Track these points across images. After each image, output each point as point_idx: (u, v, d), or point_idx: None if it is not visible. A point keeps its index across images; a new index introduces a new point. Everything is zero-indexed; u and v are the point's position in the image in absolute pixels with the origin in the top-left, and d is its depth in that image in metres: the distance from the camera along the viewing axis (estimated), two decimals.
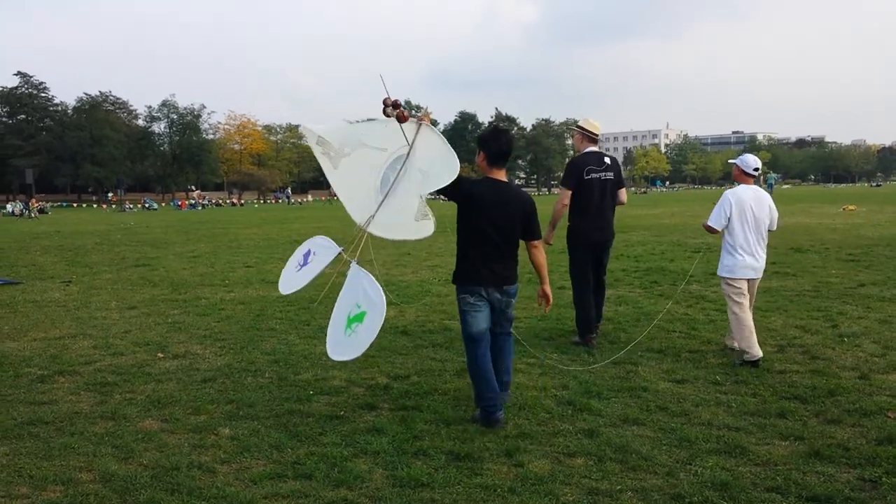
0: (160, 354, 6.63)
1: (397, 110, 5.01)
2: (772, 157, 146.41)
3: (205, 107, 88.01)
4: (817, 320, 7.88)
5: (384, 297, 4.69)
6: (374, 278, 4.81)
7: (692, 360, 6.30)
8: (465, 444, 4.33)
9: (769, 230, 6.60)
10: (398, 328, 7.57)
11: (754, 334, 6.23)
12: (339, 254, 5.27)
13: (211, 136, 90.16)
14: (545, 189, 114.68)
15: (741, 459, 4.11)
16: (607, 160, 7.15)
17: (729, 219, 6.41)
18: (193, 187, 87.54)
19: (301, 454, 4.20)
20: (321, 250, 5.43)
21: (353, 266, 4.97)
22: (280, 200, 79.92)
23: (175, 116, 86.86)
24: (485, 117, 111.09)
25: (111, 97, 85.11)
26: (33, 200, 51.91)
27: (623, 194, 7.32)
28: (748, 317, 6.29)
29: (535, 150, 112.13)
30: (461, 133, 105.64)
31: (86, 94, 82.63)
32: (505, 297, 4.95)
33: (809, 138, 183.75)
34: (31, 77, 79.68)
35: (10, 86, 78.64)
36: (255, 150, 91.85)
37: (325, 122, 5.72)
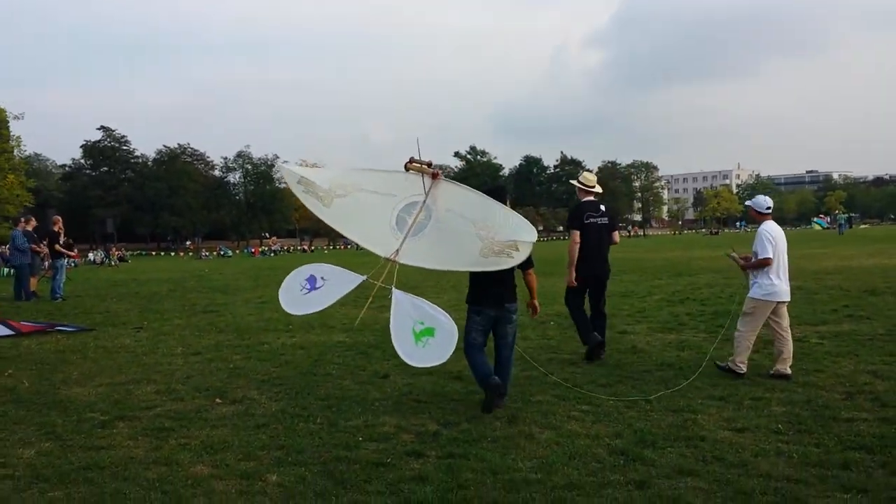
0: (218, 400, 6.74)
1: (432, 169, 6.06)
2: (847, 196, 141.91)
3: (278, 157, 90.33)
4: (890, 366, 7.52)
5: (449, 317, 5.84)
6: (416, 297, 5.91)
7: (755, 407, 6.08)
8: (510, 493, 4.26)
9: None
10: (451, 373, 7.48)
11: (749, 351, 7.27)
12: (364, 281, 6.19)
13: (284, 185, 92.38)
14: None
15: None
16: (602, 208, 8.46)
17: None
18: (268, 234, 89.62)
19: (345, 502, 4.19)
20: (333, 277, 6.15)
21: (396, 292, 5.96)
22: (349, 246, 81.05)
23: (249, 167, 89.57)
24: (550, 160, 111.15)
25: (189, 149, 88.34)
26: (114, 249, 53.92)
27: (616, 236, 8.67)
28: (755, 336, 7.31)
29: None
30: (526, 177, 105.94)
31: (165, 146, 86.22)
32: (506, 314, 6.20)
33: (888, 177, 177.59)
34: (113, 131, 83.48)
35: (93, 139, 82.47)
36: None
37: (309, 168, 6.84)
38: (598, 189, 8.74)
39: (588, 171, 8.61)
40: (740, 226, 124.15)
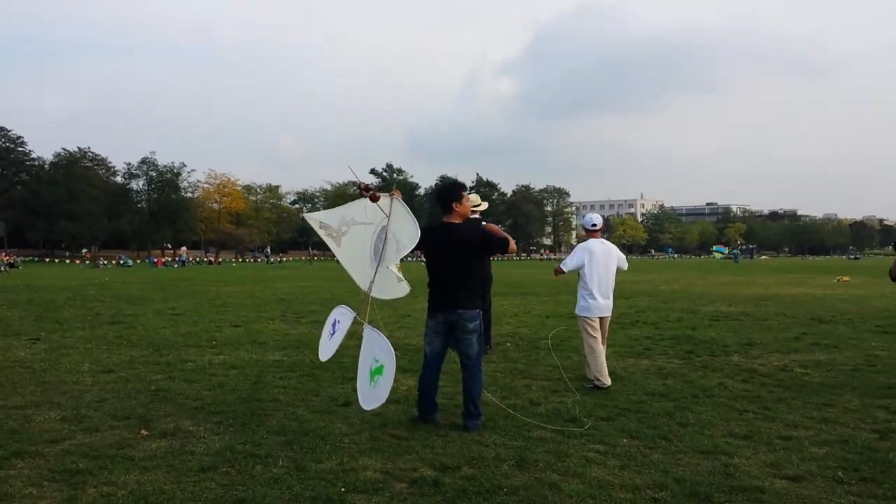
0: (144, 431, 5.43)
1: (369, 193, 5.73)
2: (747, 228, 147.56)
3: (185, 165, 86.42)
4: None
5: (391, 347, 5.39)
6: (382, 333, 5.50)
7: (790, 448, 5.22)
8: None
9: (620, 270, 7.76)
10: None
11: (605, 365, 7.36)
12: (355, 318, 5.87)
13: (190, 195, 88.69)
14: (524, 254, 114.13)
15: None
16: (483, 223, 8.58)
17: (583, 266, 7.51)
18: (169, 245, 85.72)
19: None
20: (343, 318, 6.06)
21: (366, 327, 5.61)
22: (259, 259, 78.46)
23: (154, 174, 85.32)
24: (465, 182, 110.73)
25: (90, 153, 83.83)
26: (3, 254, 50.25)
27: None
28: (602, 350, 7.46)
29: (516, 216, 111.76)
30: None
31: (64, 149, 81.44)
32: (460, 320, 5.64)
33: (782, 211, 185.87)
34: (8, 131, 78.39)
35: None
36: (234, 210, 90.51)
37: (322, 211, 6.70)
38: (483, 206, 9.54)
39: (473, 193, 9.31)
40: (669, 251, 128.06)
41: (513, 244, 5.99)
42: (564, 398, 6.77)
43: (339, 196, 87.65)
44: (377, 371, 5.36)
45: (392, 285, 5.85)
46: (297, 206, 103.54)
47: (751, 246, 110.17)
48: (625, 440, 5.35)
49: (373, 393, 5.38)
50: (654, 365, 8.81)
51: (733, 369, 8.53)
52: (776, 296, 21.19)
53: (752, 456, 5.02)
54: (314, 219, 6.48)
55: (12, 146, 78.88)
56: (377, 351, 5.44)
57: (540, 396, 6.87)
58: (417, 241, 5.58)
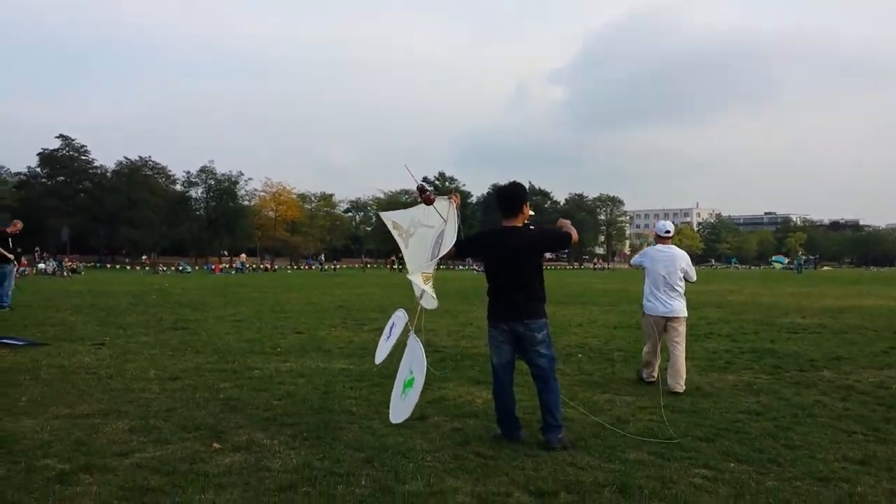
0: (216, 444, 5.17)
1: (424, 195, 5.49)
2: (807, 238, 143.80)
3: (242, 174, 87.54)
4: None
5: (425, 358, 5.09)
6: (421, 343, 5.20)
7: None
8: None
9: (688, 280, 7.95)
10: None
11: (651, 364, 7.87)
12: (406, 324, 5.79)
13: (247, 203, 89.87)
14: (576, 263, 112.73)
15: None
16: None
17: (645, 266, 8.01)
18: (227, 252, 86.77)
19: None
20: (399, 321, 6.03)
21: (411, 335, 5.37)
22: (313, 267, 78.98)
23: (213, 182, 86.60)
24: None
25: (150, 162, 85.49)
26: (66, 259, 51.36)
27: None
28: (652, 350, 7.85)
29: None
30: (494, 205, 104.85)
31: (126, 158, 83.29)
32: (528, 331, 5.32)
33: (843, 221, 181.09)
34: (72, 140, 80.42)
35: (51, 147, 79.44)
36: (289, 217, 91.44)
37: (397, 211, 6.54)
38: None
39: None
40: (733, 262, 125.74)
41: (575, 234, 5.67)
42: (654, 415, 6.33)
43: (391, 204, 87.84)
44: (409, 384, 5.11)
45: (430, 297, 5.68)
46: (349, 214, 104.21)
47: (812, 256, 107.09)
48: (732, 464, 4.91)
49: (401, 405, 5.13)
50: (740, 380, 8.28)
51: (827, 386, 7.97)
52: (851, 307, 20.27)
53: (876, 484, 4.55)
54: (388, 218, 6.42)
55: (76, 154, 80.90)
56: (414, 362, 5.18)
57: (626, 413, 6.44)
58: (453, 244, 5.44)
